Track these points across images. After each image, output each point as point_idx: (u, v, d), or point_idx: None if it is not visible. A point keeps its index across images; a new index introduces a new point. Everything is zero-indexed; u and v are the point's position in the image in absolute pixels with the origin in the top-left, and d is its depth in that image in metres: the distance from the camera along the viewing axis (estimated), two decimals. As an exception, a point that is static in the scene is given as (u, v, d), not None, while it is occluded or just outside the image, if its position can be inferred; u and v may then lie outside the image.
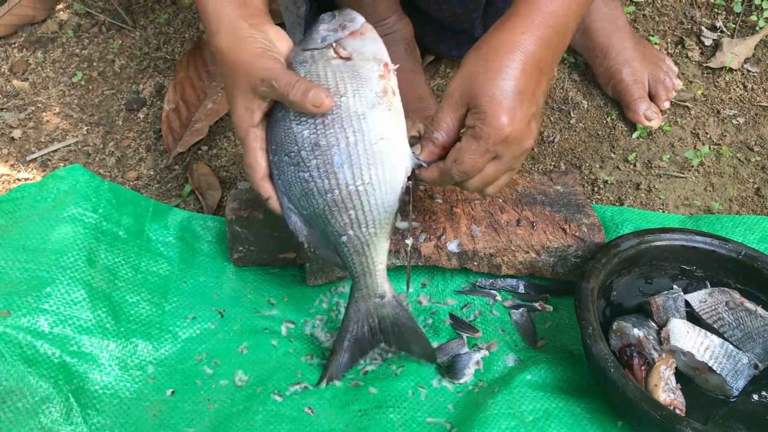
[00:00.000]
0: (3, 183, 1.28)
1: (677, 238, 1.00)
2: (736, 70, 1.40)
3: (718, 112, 1.35)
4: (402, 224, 1.00)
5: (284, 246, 1.09)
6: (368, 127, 0.86)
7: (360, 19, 0.92)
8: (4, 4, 1.53)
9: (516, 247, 1.03)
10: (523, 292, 1.09)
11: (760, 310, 0.93)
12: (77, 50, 1.51)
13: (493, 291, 1.09)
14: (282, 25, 1.33)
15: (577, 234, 1.03)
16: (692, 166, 1.27)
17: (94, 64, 1.49)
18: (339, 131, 0.85)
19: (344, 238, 0.90)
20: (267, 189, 0.90)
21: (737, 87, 1.38)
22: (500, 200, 1.08)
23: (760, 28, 1.43)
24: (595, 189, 1.25)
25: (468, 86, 0.83)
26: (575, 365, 0.97)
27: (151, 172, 1.30)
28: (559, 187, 1.11)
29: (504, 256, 1.04)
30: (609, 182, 1.26)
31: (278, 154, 0.89)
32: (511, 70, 0.81)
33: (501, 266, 1.06)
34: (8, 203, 1.14)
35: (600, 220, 1.06)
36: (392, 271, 1.08)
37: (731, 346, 0.90)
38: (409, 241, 0.98)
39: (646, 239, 0.99)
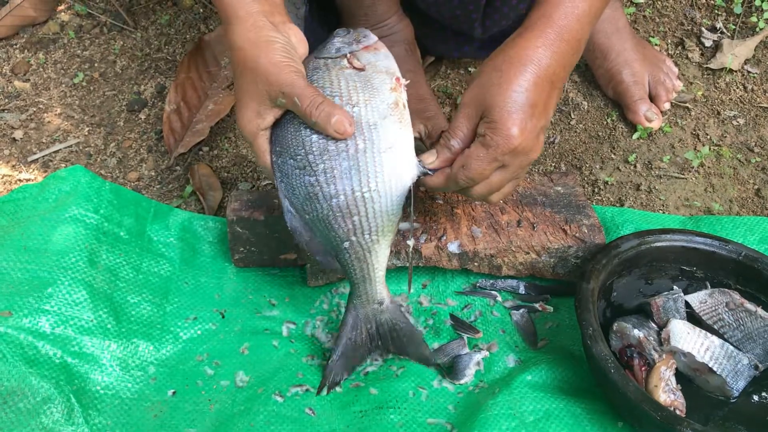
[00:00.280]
0: (4, 184, 1.28)
1: (677, 239, 1.00)
2: (736, 71, 1.40)
3: (719, 113, 1.35)
4: (403, 225, 1.00)
5: (285, 247, 1.09)
6: (378, 136, 0.87)
7: (374, 37, 0.95)
8: (6, 5, 1.53)
9: (516, 248, 1.03)
10: (523, 292, 1.09)
11: (760, 311, 0.93)
12: (78, 51, 1.52)
13: (493, 292, 1.09)
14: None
15: (577, 235, 1.03)
16: (692, 167, 1.27)
17: (96, 65, 1.49)
18: (350, 138, 0.86)
19: (346, 244, 0.90)
20: None
21: (737, 88, 1.38)
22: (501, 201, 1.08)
23: (760, 29, 1.43)
24: (596, 190, 1.25)
25: (482, 96, 0.84)
26: (576, 366, 0.97)
27: (152, 173, 1.31)
28: (559, 188, 1.11)
29: (504, 257, 1.04)
30: (609, 183, 1.26)
31: (283, 156, 0.89)
32: (523, 82, 0.82)
33: (501, 267, 1.06)
34: (10, 204, 1.15)
35: (600, 221, 1.07)
36: (393, 271, 1.08)
37: (731, 347, 0.90)
38: (411, 242, 0.98)
39: (647, 240, 1.00)
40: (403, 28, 1.28)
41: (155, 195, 1.27)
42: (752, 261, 0.98)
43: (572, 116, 1.35)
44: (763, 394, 0.90)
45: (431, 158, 0.89)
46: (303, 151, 0.88)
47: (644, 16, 1.48)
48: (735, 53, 1.39)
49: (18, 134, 1.37)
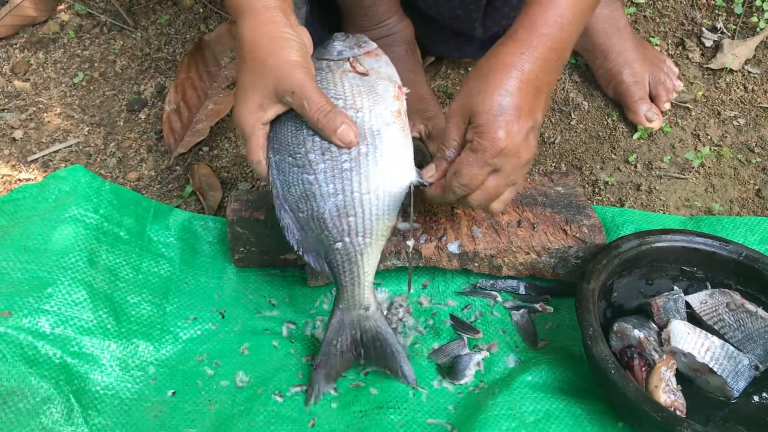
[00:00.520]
0: (4, 183, 1.28)
1: (678, 240, 1.00)
2: (736, 72, 1.40)
3: (719, 113, 1.35)
4: (403, 225, 1.01)
5: (285, 247, 1.09)
6: (381, 142, 0.89)
7: (373, 43, 0.97)
8: (6, 5, 1.53)
9: (517, 248, 1.03)
10: (523, 293, 1.09)
11: (760, 311, 0.93)
12: (78, 51, 1.52)
13: (493, 292, 1.09)
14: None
15: (577, 235, 1.03)
16: (693, 167, 1.27)
17: (96, 64, 1.49)
18: None
19: (339, 245, 0.90)
20: None
21: (738, 88, 1.38)
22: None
23: (761, 29, 1.43)
24: (596, 190, 1.25)
25: (468, 103, 0.85)
26: (576, 366, 0.97)
27: (152, 173, 1.31)
28: (559, 188, 1.11)
29: (505, 257, 1.04)
30: (610, 183, 1.26)
31: (281, 153, 0.89)
32: (508, 87, 0.83)
33: (502, 267, 1.06)
34: (9, 204, 1.15)
35: (601, 221, 1.06)
36: (393, 271, 1.08)
37: (732, 348, 0.90)
38: (411, 243, 0.97)
39: (647, 240, 1.00)
40: (403, 29, 1.28)
41: (155, 195, 1.27)
42: (753, 261, 0.98)
43: (573, 116, 1.35)
44: (764, 394, 0.90)
45: (430, 172, 0.90)
46: (303, 149, 0.88)
47: (645, 16, 1.48)
48: (735, 53, 1.39)
49: (18, 134, 1.37)
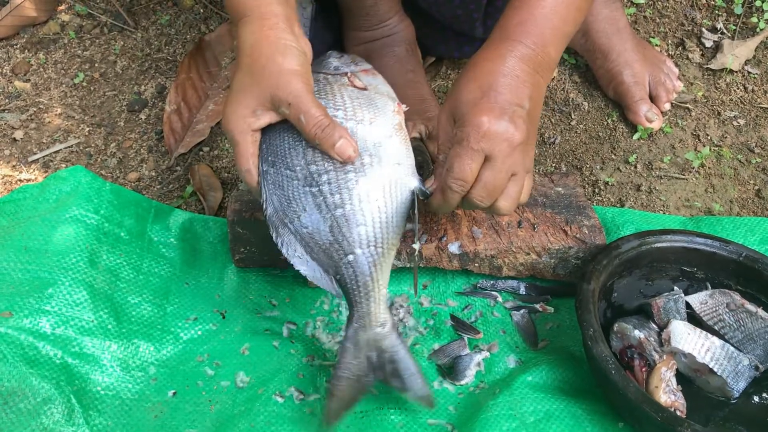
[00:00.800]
0: (5, 184, 1.28)
1: (678, 240, 1.00)
2: (736, 72, 1.40)
3: (719, 113, 1.35)
4: (407, 225, 1.00)
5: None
6: (386, 152, 0.88)
7: (369, 64, 0.98)
8: (6, 5, 1.53)
9: (517, 249, 1.03)
10: (524, 293, 1.09)
11: (760, 311, 0.93)
12: (79, 51, 1.52)
13: (494, 292, 1.09)
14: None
15: (578, 235, 1.03)
16: (693, 168, 1.27)
17: (96, 65, 1.49)
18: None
19: (350, 258, 0.86)
20: None
21: (738, 88, 1.38)
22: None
23: (761, 29, 1.43)
24: (596, 190, 1.25)
25: (451, 104, 0.86)
26: (576, 367, 0.97)
27: (153, 173, 1.31)
28: (560, 189, 1.11)
29: (505, 258, 1.04)
30: (610, 184, 1.26)
31: (276, 166, 0.86)
32: (484, 79, 0.84)
33: (502, 268, 1.06)
34: (10, 204, 1.15)
35: (601, 222, 1.06)
36: (393, 272, 1.07)
37: (732, 348, 0.90)
38: (417, 246, 0.95)
39: (647, 241, 1.00)
40: (404, 29, 1.28)
41: (155, 195, 1.27)
42: (753, 262, 0.98)
43: (573, 117, 1.35)
44: (764, 395, 0.90)
45: (431, 181, 0.90)
46: (303, 161, 0.86)
47: (645, 17, 1.48)
48: (735, 54, 1.39)
49: (18, 134, 1.37)
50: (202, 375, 0.99)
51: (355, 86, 0.91)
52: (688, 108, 1.35)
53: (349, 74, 0.93)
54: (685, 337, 0.89)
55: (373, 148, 0.88)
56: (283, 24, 0.85)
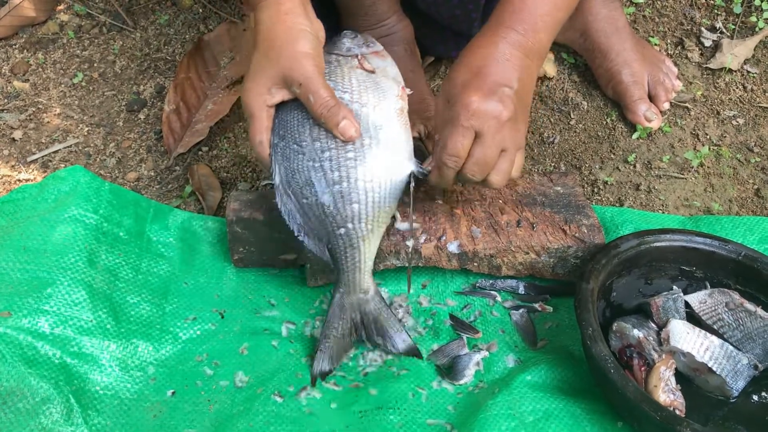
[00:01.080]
0: (4, 184, 1.28)
1: (677, 239, 1.00)
2: (735, 71, 1.40)
3: (718, 113, 1.35)
4: (402, 225, 1.01)
5: (285, 247, 1.09)
6: (385, 135, 0.94)
7: (380, 45, 1.04)
8: (5, 5, 1.53)
9: (516, 248, 1.03)
10: (523, 292, 1.09)
11: (759, 311, 0.93)
12: (78, 51, 1.52)
13: (493, 292, 1.09)
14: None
15: (577, 235, 1.03)
16: (692, 167, 1.27)
17: (95, 65, 1.49)
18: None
19: (342, 231, 0.93)
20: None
21: (737, 88, 1.38)
22: (500, 201, 1.08)
23: (760, 29, 1.43)
24: (595, 190, 1.25)
25: (445, 86, 0.92)
26: (575, 366, 0.97)
27: (152, 173, 1.31)
28: (559, 188, 1.11)
29: (504, 257, 1.04)
30: (609, 183, 1.26)
31: (285, 140, 0.93)
32: (475, 63, 0.90)
33: (501, 267, 1.06)
34: (9, 204, 1.15)
35: (600, 221, 1.06)
36: (392, 271, 1.08)
37: (731, 347, 0.90)
38: (410, 243, 1.00)
39: (646, 240, 1.00)
40: (402, 28, 1.28)
41: (154, 195, 1.27)
42: (752, 261, 0.98)
43: (572, 116, 1.35)
44: (763, 393, 0.90)
45: (429, 161, 0.95)
46: (309, 138, 0.93)
47: (644, 16, 1.48)
48: (734, 53, 1.39)
49: (17, 134, 1.37)
50: (201, 375, 0.99)
51: (364, 69, 0.97)
52: (687, 107, 1.35)
53: (359, 56, 0.99)
54: (684, 336, 0.89)
55: (374, 131, 0.94)
56: (298, 8, 0.92)
